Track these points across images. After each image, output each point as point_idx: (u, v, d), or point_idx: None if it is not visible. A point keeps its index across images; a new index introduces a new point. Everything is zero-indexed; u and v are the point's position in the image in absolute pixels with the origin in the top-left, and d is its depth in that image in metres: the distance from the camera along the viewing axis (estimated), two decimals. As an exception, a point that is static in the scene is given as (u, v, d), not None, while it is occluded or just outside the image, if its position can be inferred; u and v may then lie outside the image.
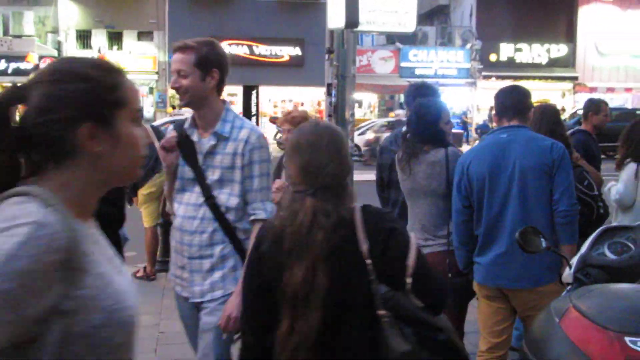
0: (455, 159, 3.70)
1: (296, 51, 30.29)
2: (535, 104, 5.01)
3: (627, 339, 1.45)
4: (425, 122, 3.82)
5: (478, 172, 3.49)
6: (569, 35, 33.20)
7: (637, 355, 1.43)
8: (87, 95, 1.27)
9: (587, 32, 32.95)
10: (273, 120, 29.78)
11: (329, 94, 8.07)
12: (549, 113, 4.87)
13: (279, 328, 2.03)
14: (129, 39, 32.53)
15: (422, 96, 4.21)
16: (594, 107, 6.05)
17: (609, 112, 6.06)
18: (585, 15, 33.09)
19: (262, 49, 30.04)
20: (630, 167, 4.82)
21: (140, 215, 6.89)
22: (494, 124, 4.07)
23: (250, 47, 29.84)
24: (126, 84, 1.35)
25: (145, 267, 6.84)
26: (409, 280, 2.06)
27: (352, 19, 6.96)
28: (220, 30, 28.25)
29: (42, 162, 1.28)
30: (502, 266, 3.44)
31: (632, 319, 1.51)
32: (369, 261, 2.05)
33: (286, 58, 30.37)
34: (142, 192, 6.59)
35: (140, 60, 31.84)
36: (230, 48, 29.10)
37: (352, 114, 8.68)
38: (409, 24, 8.14)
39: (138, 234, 6.73)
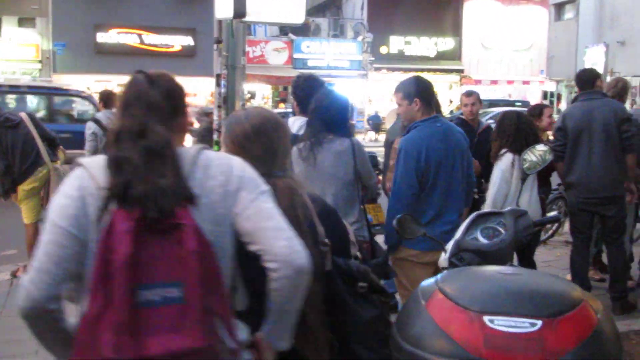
0: (361, 150, 3.92)
1: (188, 41, 29.73)
2: None
3: (485, 318, 1.53)
4: (332, 111, 3.89)
5: (435, 155, 3.89)
6: (456, 30, 34.46)
7: (494, 332, 1.51)
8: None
9: (472, 26, 34.30)
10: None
11: (217, 84, 7.93)
12: None
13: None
14: (9, 25, 30.75)
15: (310, 88, 4.26)
16: (537, 112, 6.40)
17: (552, 114, 6.42)
18: (470, 11, 34.45)
19: (152, 38, 29.25)
20: (507, 157, 5.04)
21: (20, 211, 6.55)
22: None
23: (140, 36, 29.00)
24: None
25: (25, 266, 6.53)
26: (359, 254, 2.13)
27: (239, 9, 6.88)
28: (108, 18, 27.38)
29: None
30: (449, 235, 3.57)
31: (490, 299, 1.59)
32: (326, 240, 2.09)
33: (178, 48, 29.75)
34: (24, 187, 6.30)
35: (22, 49, 30.17)
36: (119, 37, 28.27)
37: (243, 105, 8.61)
38: (298, 15, 8.15)
39: (18, 231, 6.42)
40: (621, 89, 6.14)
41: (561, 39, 39.01)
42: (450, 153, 3.98)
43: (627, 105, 7.13)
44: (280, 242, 1.70)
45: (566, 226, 7.38)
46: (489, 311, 1.52)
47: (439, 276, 1.77)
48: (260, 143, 2.13)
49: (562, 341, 1.47)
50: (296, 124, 4.22)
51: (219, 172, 1.75)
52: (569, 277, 6.06)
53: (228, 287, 1.74)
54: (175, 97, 1.84)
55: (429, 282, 1.75)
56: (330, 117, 3.86)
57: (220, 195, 1.73)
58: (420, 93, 4.01)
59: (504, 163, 5.04)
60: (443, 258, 2.86)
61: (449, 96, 31.86)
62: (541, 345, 1.47)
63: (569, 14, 42.15)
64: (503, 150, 5.07)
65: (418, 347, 1.56)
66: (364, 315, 1.94)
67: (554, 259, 7.53)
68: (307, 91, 4.25)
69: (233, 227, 1.75)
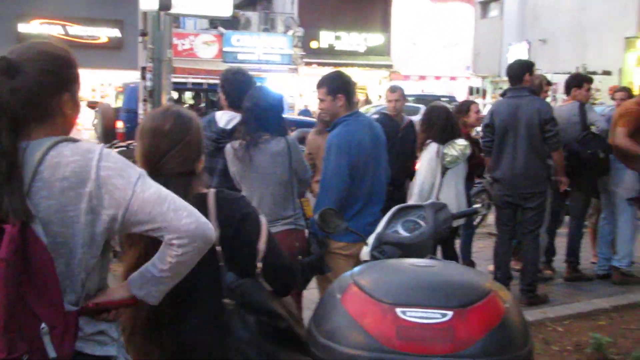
0: (296, 148, 3.90)
1: (115, 33, 28.93)
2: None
3: (398, 310, 1.56)
4: (268, 111, 3.88)
5: (364, 150, 3.98)
6: (385, 26, 34.82)
7: (407, 324, 1.54)
8: (68, 71, 1.78)
9: (400, 23, 34.76)
10: (91, 105, 28.46)
11: (143, 78, 7.77)
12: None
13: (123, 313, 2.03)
14: None
15: (238, 82, 4.25)
16: (465, 108, 6.52)
17: (479, 110, 6.57)
18: (399, 7, 34.89)
19: (77, 30, 28.30)
20: (432, 147, 5.15)
21: None
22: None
23: (64, 27, 28.02)
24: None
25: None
26: (259, 264, 2.08)
27: (165, 1, 6.76)
28: (30, 8, 26.40)
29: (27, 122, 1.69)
30: (373, 226, 3.59)
31: (403, 291, 1.62)
32: (218, 248, 2.06)
33: (104, 40, 28.94)
34: None
35: None
36: (42, 28, 27.30)
37: (170, 99, 8.47)
38: (225, 8, 8.06)
39: None
40: (537, 87, 6.35)
41: (486, 36, 39.99)
42: (375, 146, 4.08)
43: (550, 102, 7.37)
44: (183, 220, 1.74)
45: (489, 218, 7.58)
46: (401, 303, 1.55)
47: (354, 270, 1.79)
48: (144, 142, 2.10)
49: (471, 330, 1.51)
50: (224, 118, 4.19)
51: (69, 171, 1.68)
52: (491, 267, 6.26)
53: (80, 288, 1.73)
54: (45, 82, 1.74)
55: (344, 275, 1.77)
56: (266, 117, 3.85)
57: (72, 197, 1.68)
58: (344, 89, 4.05)
59: (429, 152, 5.15)
60: (365, 251, 2.90)
61: (378, 91, 32.23)
62: (451, 335, 1.50)
63: (493, 12, 43.25)
64: (428, 141, 5.18)
65: (333, 340, 1.58)
66: (240, 335, 1.96)
67: (477, 250, 7.73)
68: (234, 85, 4.24)
69: (110, 223, 1.72)
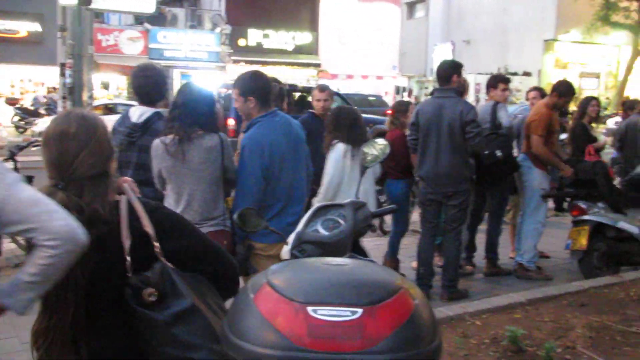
0: (228, 146, 3.87)
1: (35, 27, 28.07)
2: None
3: (309, 308, 1.57)
4: (201, 107, 3.83)
5: (278, 149, 3.93)
6: (313, 24, 35.02)
7: (318, 322, 1.55)
8: None
9: (328, 21, 35.00)
10: (11, 101, 27.47)
11: (62, 74, 7.56)
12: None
13: (35, 324, 2.01)
14: None
15: (148, 78, 4.22)
16: (403, 108, 6.60)
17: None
18: (326, 6, 35.13)
19: (-6, 23, 27.40)
20: (339, 147, 5.17)
21: None
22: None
23: (-20, 20, 27.07)
24: None
25: None
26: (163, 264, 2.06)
27: (85, -4, 6.62)
28: (-58, 1, 25.30)
29: None
30: (294, 226, 3.59)
31: (315, 290, 1.63)
32: (128, 258, 2.03)
33: (23, 34, 28.03)
34: None
35: None
36: (-43, 21, 26.23)
37: (91, 96, 8.26)
38: (148, 5, 7.92)
39: None
40: (461, 87, 6.52)
41: (413, 37, 40.75)
42: (292, 145, 4.05)
43: (472, 101, 7.59)
44: (57, 222, 1.79)
45: (414, 215, 7.72)
46: (313, 302, 1.56)
47: (269, 269, 1.80)
48: (51, 148, 2.06)
49: (380, 327, 1.54)
50: (136, 113, 4.15)
51: None
52: (415, 264, 6.38)
53: None
54: None
55: (259, 275, 1.78)
56: (199, 113, 3.80)
57: None
58: (255, 91, 4.00)
59: (337, 153, 5.18)
60: (285, 250, 2.90)
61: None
62: (361, 332, 1.53)
63: (419, 12, 44.12)
64: (335, 141, 5.22)
65: (246, 340, 1.58)
66: (158, 318, 1.95)
67: (402, 247, 7.86)
68: (143, 81, 4.21)
69: None
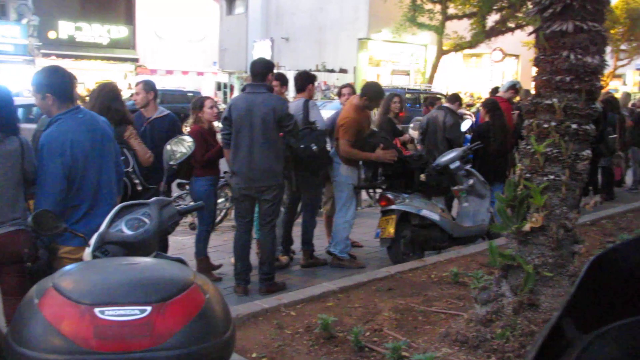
0: (29, 148, 3.75)
1: None
2: (96, 84, 5.44)
3: (96, 310, 1.55)
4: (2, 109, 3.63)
5: (81, 148, 3.79)
6: (129, 18, 33.85)
7: (105, 323, 1.54)
8: None
9: (145, 15, 34.05)
10: None
11: None
12: (107, 90, 5.09)
13: None
14: None
15: None
16: (198, 105, 6.59)
17: (214, 105, 6.72)
18: (143, 0, 34.15)
19: None
20: None
21: None
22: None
23: None
24: None
25: None
26: None
27: None
28: None
29: None
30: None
31: (102, 291, 1.62)
32: None
33: None
34: None
35: None
36: None
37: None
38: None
39: None
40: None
41: (233, 33, 40.74)
42: (98, 143, 3.93)
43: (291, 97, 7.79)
44: None
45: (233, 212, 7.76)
46: (100, 303, 1.54)
47: (57, 272, 1.74)
48: None
49: (170, 324, 1.56)
50: None
51: None
52: (233, 259, 6.42)
53: None
54: None
55: (45, 279, 1.72)
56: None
57: None
58: (52, 87, 3.86)
59: None
60: (87, 252, 2.83)
61: (125, 85, 31.27)
62: (150, 330, 1.53)
63: (239, 8, 44.19)
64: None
65: (30, 347, 1.52)
66: None
67: (221, 243, 7.89)
68: None
69: None
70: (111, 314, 1.52)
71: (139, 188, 5.20)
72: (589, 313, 1.18)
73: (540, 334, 1.25)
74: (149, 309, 1.55)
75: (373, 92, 7.08)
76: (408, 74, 38.26)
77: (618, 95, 14.93)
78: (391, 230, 6.78)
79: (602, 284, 1.20)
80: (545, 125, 4.17)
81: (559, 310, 1.17)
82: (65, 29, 31.67)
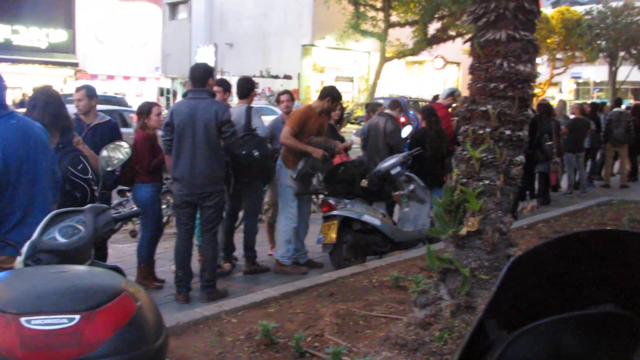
0: None
1: None
2: (34, 89, 5.37)
3: (22, 319, 1.52)
4: None
5: (14, 154, 3.64)
6: (68, 22, 33.10)
7: (31, 332, 1.51)
8: None
9: (85, 20, 33.40)
10: None
11: None
12: (54, 96, 4.98)
13: None
14: None
15: None
16: (145, 110, 6.48)
17: (161, 112, 6.61)
18: (83, 3, 33.47)
19: None
20: None
21: None
22: None
23: None
24: None
25: None
26: None
27: None
28: None
29: None
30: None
31: (29, 300, 1.58)
32: None
33: None
34: None
35: None
36: None
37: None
38: None
39: None
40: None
41: (175, 38, 40.37)
42: (32, 150, 3.82)
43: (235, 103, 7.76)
44: None
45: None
46: (26, 312, 1.51)
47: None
48: None
49: (99, 332, 1.54)
50: None
51: None
52: (174, 267, 6.35)
53: None
54: None
55: (-31, 288, 1.68)
56: None
57: None
58: None
59: None
60: (18, 261, 2.76)
61: (64, 89, 30.58)
62: (78, 339, 1.51)
63: (182, 14, 43.83)
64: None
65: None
66: None
67: (163, 250, 7.78)
68: None
69: None
70: (38, 323, 1.49)
71: (97, 195, 5.09)
72: (512, 312, 1.22)
73: (466, 334, 1.29)
74: (77, 317, 1.52)
75: (336, 92, 7.14)
76: (352, 81, 38.58)
77: (554, 102, 15.39)
78: (333, 235, 6.83)
79: (523, 284, 1.24)
80: (481, 132, 4.27)
81: (482, 310, 1.21)
82: (1, 32, 30.77)
